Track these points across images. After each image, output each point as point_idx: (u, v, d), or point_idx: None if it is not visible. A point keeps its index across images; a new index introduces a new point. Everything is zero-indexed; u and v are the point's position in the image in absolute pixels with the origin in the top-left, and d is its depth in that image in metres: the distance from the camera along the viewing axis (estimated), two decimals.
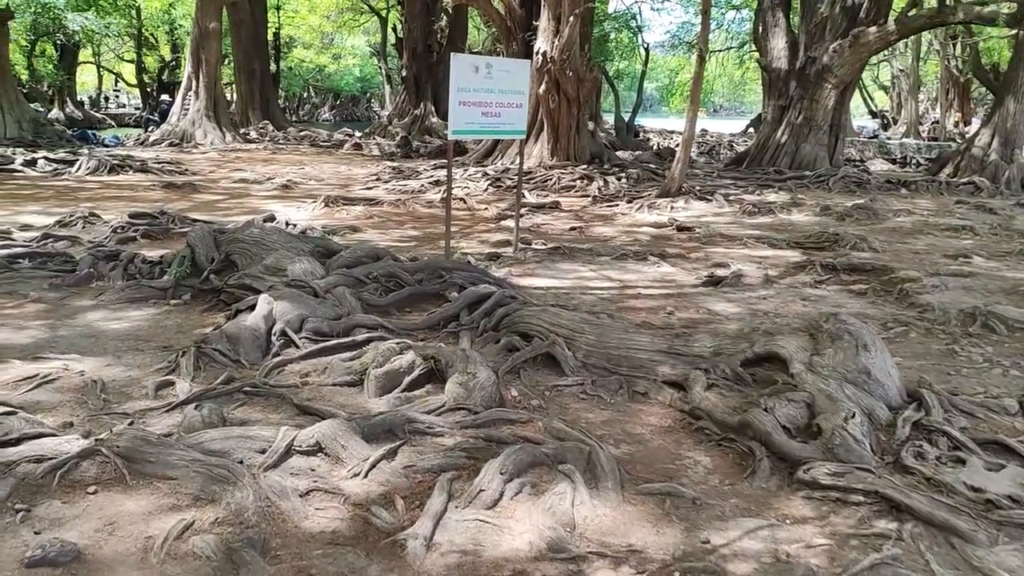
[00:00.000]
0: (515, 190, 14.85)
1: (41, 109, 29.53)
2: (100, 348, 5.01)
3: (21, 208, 11.94)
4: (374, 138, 28.09)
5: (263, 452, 3.46)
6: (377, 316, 5.53)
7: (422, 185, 15.43)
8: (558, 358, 4.65)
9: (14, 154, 17.92)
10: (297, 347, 4.95)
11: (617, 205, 13.22)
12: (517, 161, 17.83)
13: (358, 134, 30.63)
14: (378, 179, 16.94)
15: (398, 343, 4.79)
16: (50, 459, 3.34)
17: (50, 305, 5.95)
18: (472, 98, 7.92)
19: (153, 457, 3.34)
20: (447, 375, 4.30)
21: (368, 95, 74.30)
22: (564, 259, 8.35)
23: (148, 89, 50.43)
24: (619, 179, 15.76)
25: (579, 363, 4.60)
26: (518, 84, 8.41)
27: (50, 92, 42.85)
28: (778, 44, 18.09)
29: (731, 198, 13.77)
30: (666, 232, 10.87)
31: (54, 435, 3.54)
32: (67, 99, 44.68)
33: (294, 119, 45.11)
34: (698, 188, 14.25)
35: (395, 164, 20.16)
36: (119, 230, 9.30)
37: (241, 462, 3.39)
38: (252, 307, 5.20)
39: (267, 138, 26.84)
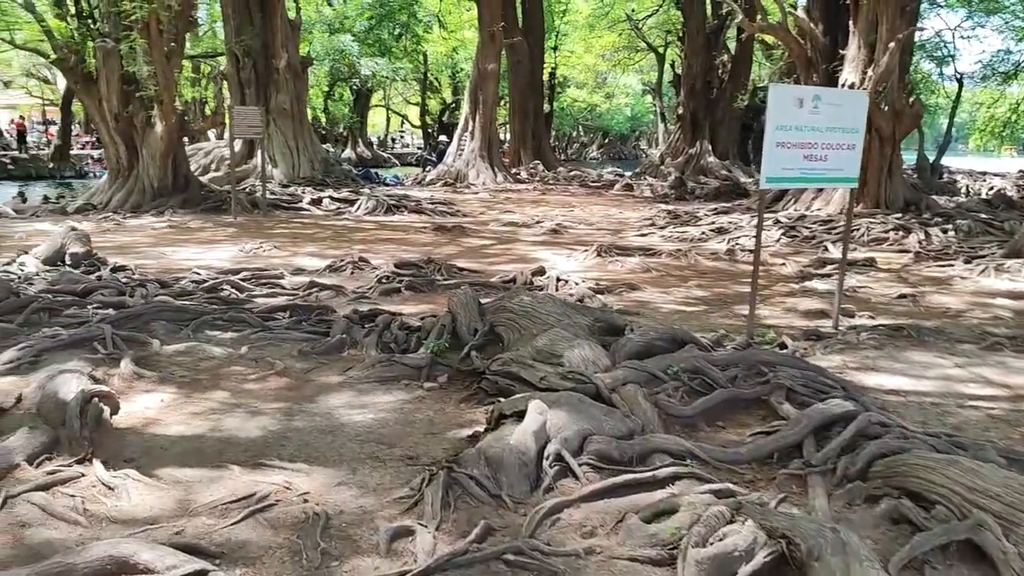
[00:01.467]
0: (815, 243, 12.84)
1: (332, 149, 31.55)
2: (335, 453, 3.99)
3: (299, 249, 11.94)
4: (645, 178, 26.90)
5: None
6: (681, 433, 4.08)
7: (702, 233, 13.84)
8: (989, 552, 2.90)
9: (303, 193, 18.73)
10: (576, 477, 3.62)
11: (951, 266, 10.77)
12: (813, 207, 15.72)
13: (628, 173, 29.62)
14: (652, 224, 15.58)
15: (721, 494, 3.30)
16: None
17: (294, 380, 5.12)
18: (793, 138, 6.29)
19: None
20: (807, 569, 2.73)
21: (637, 134, 73.89)
22: (911, 345, 6.39)
23: (429, 130, 53.34)
24: (944, 232, 13.13)
25: None
26: (852, 120, 6.65)
27: (344, 133, 46.43)
28: None
29: None
30: None
31: None
32: (359, 140, 48.23)
33: (563, 158, 45.27)
34: None
35: (669, 207, 18.70)
36: (384, 280, 8.65)
37: None
38: (519, 414, 3.95)
39: (537, 178, 26.56)
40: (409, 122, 60.07)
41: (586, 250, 11.47)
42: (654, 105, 35.27)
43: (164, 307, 6.08)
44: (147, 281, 7.60)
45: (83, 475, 3.54)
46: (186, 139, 20.84)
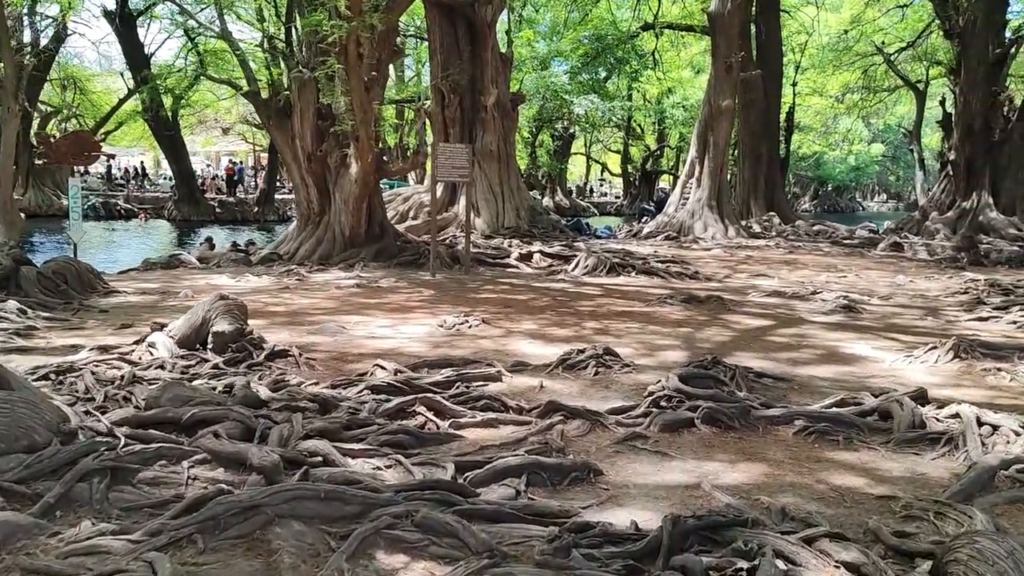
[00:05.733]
0: None
1: (538, 196, 29.10)
2: None
3: (514, 325, 8.93)
4: (906, 236, 22.22)
5: None
6: None
7: None
8: None
9: (510, 246, 16.00)
10: None
11: None
12: None
13: (881, 228, 24.99)
14: (979, 301, 11.38)
15: None
16: None
17: None
18: None
19: None
20: None
21: (854, 186, 67.61)
22: None
23: (631, 179, 50.51)
24: None
25: None
26: None
27: (544, 181, 44.35)
28: None
29: None
30: None
31: None
32: (557, 188, 46.05)
33: None
34: None
35: (974, 275, 14.36)
36: (663, 402, 5.36)
37: None
38: None
39: (773, 232, 22.60)
40: (608, 170, 57.55)
41: (932, 347, 7.64)
42: (912, 150, 30.02)
43: (302, 494, 3.06)
44: (296, 403, 4.71)
45: None
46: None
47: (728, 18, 21.57)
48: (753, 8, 25.38)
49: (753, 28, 25.82)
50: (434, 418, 4.85)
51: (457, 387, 5.81)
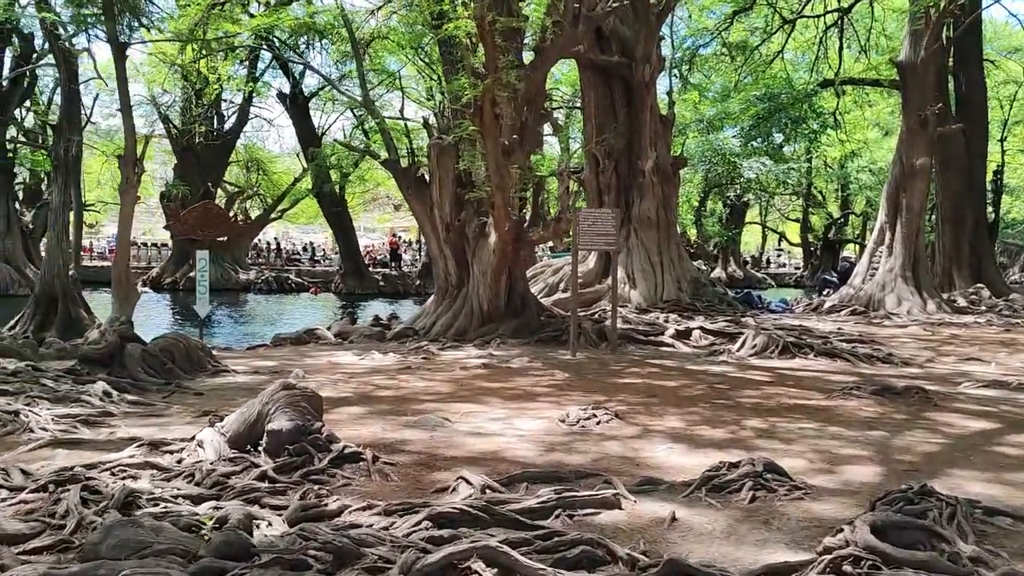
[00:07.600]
0: None
1: (704, 267, 27.11)
2: None
3: (654, 421, 7.28)
4: None
5: None
6: None
7: None
8: None
9: (666, 322, 14.29)
10: None
11: None
12: None
13: None
14: None
15: None
16: None
17: None
18: None
19: None
20: None
21: None
22: None
23: (811, 248, 47.30)
24: None
25: None
26: None
27: (715, 251, 42.17)
28: None
29: None
30: None
31: None
32: (731, 258, 43.65)
33: None
34: None
35: None
36: (846, 566, 3.58)
37: None
38: None
39: (982, 307, 19.48)
40: (787, 239, 54.19)
41: None
42: None
43: None
44: (304, 551, 3.35)
45: None
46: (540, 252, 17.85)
47: (921, 67, 19.20)
48: (950, 59, 22.65)
49: (951, 80, 23.06)
50: None
51: (557, 515, 4.34)
